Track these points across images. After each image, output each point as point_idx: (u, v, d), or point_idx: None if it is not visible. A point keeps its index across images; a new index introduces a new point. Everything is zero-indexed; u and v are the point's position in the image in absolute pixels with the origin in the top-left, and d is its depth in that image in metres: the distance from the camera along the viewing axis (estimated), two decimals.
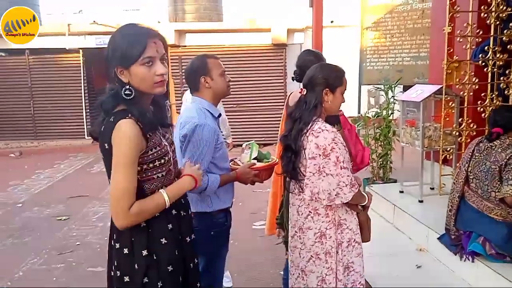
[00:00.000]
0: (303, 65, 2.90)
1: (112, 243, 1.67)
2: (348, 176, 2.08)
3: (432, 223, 3.77)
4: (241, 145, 2.67)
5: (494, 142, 3.00)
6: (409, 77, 9.19)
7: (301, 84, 2.34)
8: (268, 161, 2.50)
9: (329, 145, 2.06)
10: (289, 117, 2.29)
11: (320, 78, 2.20)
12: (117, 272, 1.63)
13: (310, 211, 2.21)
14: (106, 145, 1.56)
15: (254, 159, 2.49)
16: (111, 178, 1.54)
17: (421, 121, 4.28)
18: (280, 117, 10.89)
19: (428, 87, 4.44)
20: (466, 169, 3.14)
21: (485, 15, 3.85)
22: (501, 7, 3.83)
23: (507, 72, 3.94)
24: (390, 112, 5.43)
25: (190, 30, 10.29)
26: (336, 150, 2.07)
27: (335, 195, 2.08)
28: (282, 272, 3.58)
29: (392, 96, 5.32)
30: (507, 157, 2.87)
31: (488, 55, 3.89)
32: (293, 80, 3.00)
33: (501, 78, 3.95)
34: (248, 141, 2.62)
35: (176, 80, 10.36)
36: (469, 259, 3.15)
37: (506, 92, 3.97)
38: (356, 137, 2.74)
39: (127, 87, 1.57)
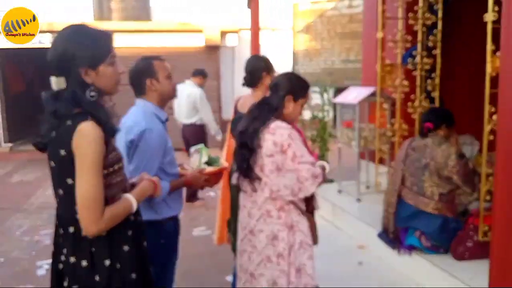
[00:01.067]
0: (253, 70, 2.91)
1: (63, 258, 1.53)
2: (308, 169, 2.11)
3: (371, 221, 3.93)
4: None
5: (426, 139, 3.20)
6: (340, 80, 9.54)
7: (249, 89, 2.37)
8: (218, 166, 2.44)
9: (285, 141, 2.11)
10: (248, 114, 2.28)
11: (287, 84, 2.28)
12: (74, 287, 1.51)
13: (262, 213, 2.20)
14: (62, 151, 1.44)
15: (204, 163, 2.42)
16: (78, 185, 1.43)
17: (357, 122, 4.45)
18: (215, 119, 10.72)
19: (362, 90, 4.64)
20: (402, 168, 3.31)
21: (413, 22, 4.10)
22: (426, 14, 4.09)
23: (432, 75, 4.21)
24: (325, 114, 5.59)
25: (117, 29, 9.84)
26: (292, 146, 2.12)
27: (298, 189, 2.12)
28: (228, 278, 3.54)
29: (327, 99, 5.49)
30: (446, 155, 3.06)
31: (416, 60, 4.14)
32: (243, 85, 2.99)
33: (428, 81, 4.22)
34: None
35: None
36: (406, 253, 3.32)
37: (432, 94, 4.24)
38: (304, 142, 2.77)
39: (92, 87, 1.49)
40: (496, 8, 2.67)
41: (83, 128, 1.42)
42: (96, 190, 1.43)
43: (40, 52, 9.98)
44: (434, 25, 4.14)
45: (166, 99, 2.36)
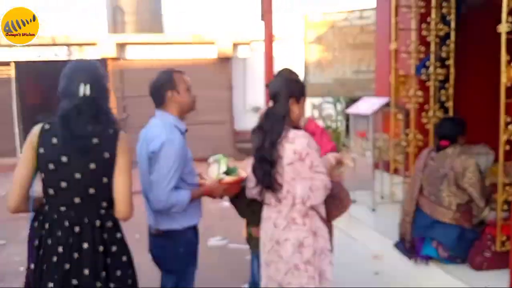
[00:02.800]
0: None
1: (76, 255, 1.78)
2: (322, 180, 2.16)
3: (386, 231, 3.93)
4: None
5: (446, 150, 3.21)
6: (352, 91, 9.59)
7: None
8: (236, 175, 2.48)
9: (304, 149, 2.16)
10: (259, 129, 2.31)
11: (287, 89, 2.31)
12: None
13: (288, 222, 2.23)
14: (106, 154, 1.82)
15: (222, 173, 2.46)
16: (122, 181, 1.84)
17: (371, 132, 4.47)
18: (227, 130, 10.74)
19: (376, 100, 4.67)
20: (420, 178, 3.32)
21: (426, 33, 4.13)
22: (438, 25, 4.13)
23: (446, 85, 4.23)
24: (338, 124, 5.62)
25: (132, 42, 10.03)
26: (310, 155, 2.16)
27: (307, 197, 2.16)
28: (245, 286, 3.56)
29: (340, 109, 5.52)
30: (464, 165, 3.08)
31: (430, 70, 4.17)
32: None
33: (441, 91, 4.23)
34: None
35: (117, 94, 10.04)
36: (423, 263, 3.31)
37: (446, 104, 4.25)
38: (325, 136, 2.81)
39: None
40: (510, 19, 2.69)
41: (124, 136, 1.88)
42: (131, 184, 1.86)
43: (56, 65, 10.18)
44: (447, 36, 4.16)
45: (185, 110, 2.42)
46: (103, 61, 9.70)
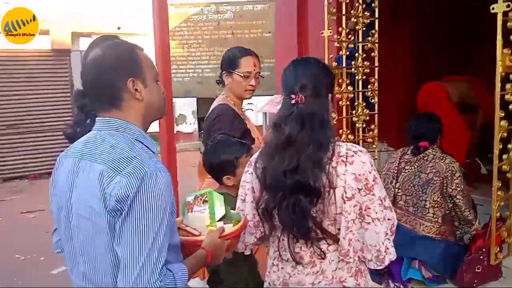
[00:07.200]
0: None
1: None
2: (389, 219, 1.43)
3: None
4: None
5: (426, 152, 2.74)
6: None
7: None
8: (238, 219, 1.50)
9: (370, 173, 1.37)
10: (287, 143, 1.39)
11: (326, 80, 1.49)
12: None
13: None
14: None
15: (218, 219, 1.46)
16: None
17: None
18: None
19: None
20: (394, 186, 2.79)
21: (355, 19, 3.68)
22: (365, 13, 3.72)
23: (371, 80, 3.86)
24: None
25: None
26: (377, 182, 1.39)
27: (385, 251, 1.40)
28: None
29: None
30: (451, 169, 2.63)
31: (358, 62, 3.73)
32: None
33: (368, 86, 3.86)
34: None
35: None
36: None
37: (372, 100, 3.89)
38: None
39: None
40: None
41: None
42: None
43: None
44: (371, 25, 3.81)
45: (153, 116, 1.33)
46: None
